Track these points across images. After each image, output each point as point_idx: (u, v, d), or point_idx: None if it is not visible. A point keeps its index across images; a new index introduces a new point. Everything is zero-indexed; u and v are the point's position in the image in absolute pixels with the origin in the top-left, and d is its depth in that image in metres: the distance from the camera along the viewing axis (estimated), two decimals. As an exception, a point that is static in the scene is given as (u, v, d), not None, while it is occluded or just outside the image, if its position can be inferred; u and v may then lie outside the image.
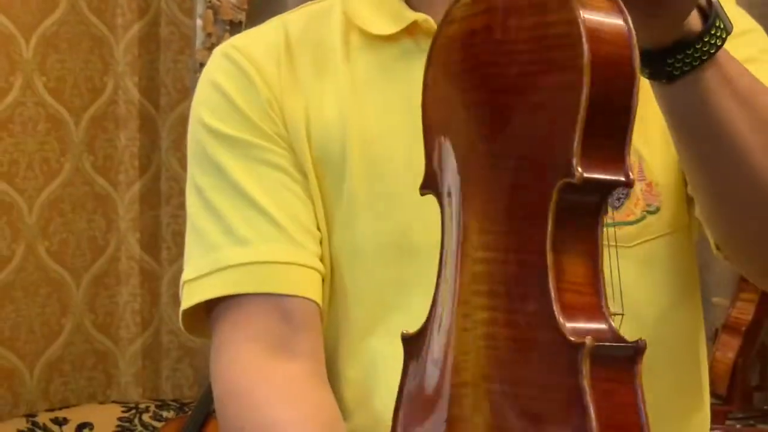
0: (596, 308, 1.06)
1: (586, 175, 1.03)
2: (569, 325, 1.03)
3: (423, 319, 1.20)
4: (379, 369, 1.46)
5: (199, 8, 3.77)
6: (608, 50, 1.05)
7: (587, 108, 1.03)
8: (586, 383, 1.01)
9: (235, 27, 3.71)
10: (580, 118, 1.03)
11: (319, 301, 1.47)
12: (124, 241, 4.05)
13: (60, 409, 3.72)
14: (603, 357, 1.03)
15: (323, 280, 1.48)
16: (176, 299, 4.13)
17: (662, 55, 1.23)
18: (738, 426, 3.05)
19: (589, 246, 1.07)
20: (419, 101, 1.28)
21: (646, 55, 1.21)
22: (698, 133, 1.28)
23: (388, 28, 1.49)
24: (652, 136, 1.45)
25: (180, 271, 1.53)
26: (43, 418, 3.62)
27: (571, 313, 1.04)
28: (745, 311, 3.12)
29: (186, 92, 3.99)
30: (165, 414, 3.69)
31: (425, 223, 1.37)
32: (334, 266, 1.49)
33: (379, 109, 1.48)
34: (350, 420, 1.47)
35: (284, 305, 1.45)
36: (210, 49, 3.73)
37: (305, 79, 1.51)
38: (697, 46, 1.22)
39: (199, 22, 3.79)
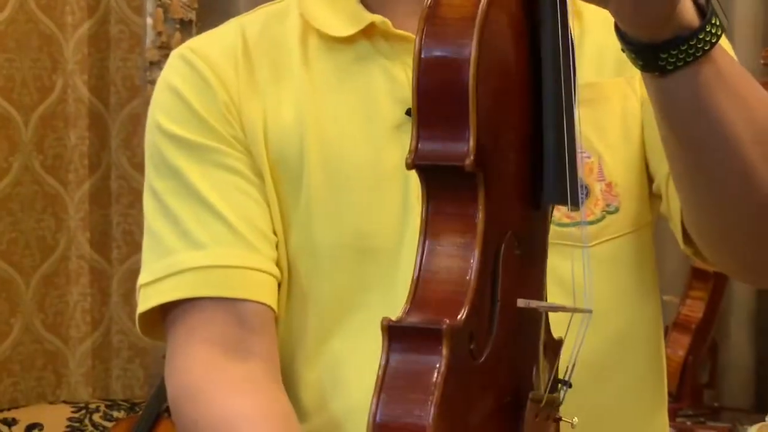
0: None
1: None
2: None
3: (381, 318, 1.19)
4: (339, 370, 1.46)
5: (149, 6, 3.80)
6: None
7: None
8: None
9: (185, 26, 3.75)
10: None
11: (274, 305, 1.46)
12: (74, 241, 4.04)
13: (9, 409, 3.72)
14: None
15: (279, 284, 1.47)
16: (126, 299, 4.15)
17: (656, 49, 1.22)
18: (688, 423, 3.08)
19: None
20: (376, 104, 1.39)
21: (640, 48, 1.22)
22: (689, 125, 1.27)
23: (345, 30, 1.48)
24: (610, 137, 1.46)
25: (130, 270, 1.54)
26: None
27: None
28: (695, 309, 3.15)
29: (136, 90, 3.99)
30: (115, 414, 3.70)
31: (382, 224, 1.42)
32: (292, 269, 1.48)
33: (336, 112, 1.47)
34: (307, 422, 1.47)
35: (239, 309, 1.44)
36: (160, 47, 3.75)
37: (263, 82, 1.50)
38: (692, 42, 1.21)
39: (149, 20, 3.81)
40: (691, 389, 3.06)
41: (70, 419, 3.66)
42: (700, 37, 1.21)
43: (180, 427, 1.46)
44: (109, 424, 3.65)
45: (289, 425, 1.41)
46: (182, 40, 3.68)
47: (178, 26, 3.75)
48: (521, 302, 1.13)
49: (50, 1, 3.93)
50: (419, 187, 1.25)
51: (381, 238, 1.43)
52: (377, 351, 1.16)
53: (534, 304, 1.14)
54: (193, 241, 1.46)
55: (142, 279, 1.49)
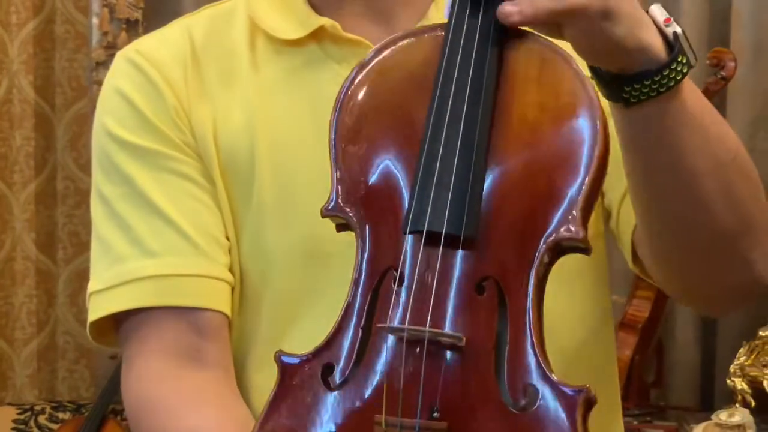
0: None
1: None
2: None
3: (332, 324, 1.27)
4: None
5: (95, 6, 3.80)
6: None
7: None
8: None
9: (131, 25, 3.76)
10: None
11: (228, 312, 1.46)
12: (19, 241, 4.01)
13: (-47, 411, 3.68)
14: None
15: (233, 289, 1.47)
16: (73, 299, 4.11)
17: (621, 81, 1.22)
18: (635, 422, 3.12)
19: None
20: (326, 108, 1.31)
21: (606, 78, 1.23)
22: (651, 155, 1.27)
23: (294, 33, 1.47)
24: None
25: (77, 271, 1.52)
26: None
27: None
28: (641, 308, 3.19)
29: (82, 91, 3.97)
30: (61, 416, 3.71)
31: (333, 230, 1.38)
32: (244, 273, 1.47)
33: (286, 116, 1.46)
34: None
35: (193, 318, 1.44)
36: (106, 47, 3.76)
37: (212, 86, 1.48)
38: (656, 78, 1.21)
39: (95, 20, 3.80)
40: (638, 388, 3.10)
41: (15, 421, 3.65)
42: (665, 73, 1.21)
43: None
44: (54, 426, 3.65)
45: None
46: (129, 40, 3.69)
47: (124, 26, 3.75)
48: (380, 326, 1.16)
49: (-6, 1, 3.93)
50: None
51: (331, 242, 1.40)
52: None
53: (388, 328, 1.16)
54: (145, 249, 1.44)
55: (92, 286, 1.47)
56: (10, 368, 4.00)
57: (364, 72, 1.25)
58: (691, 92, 1.27)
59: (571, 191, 1.14)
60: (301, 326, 1.45)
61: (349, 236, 1.36)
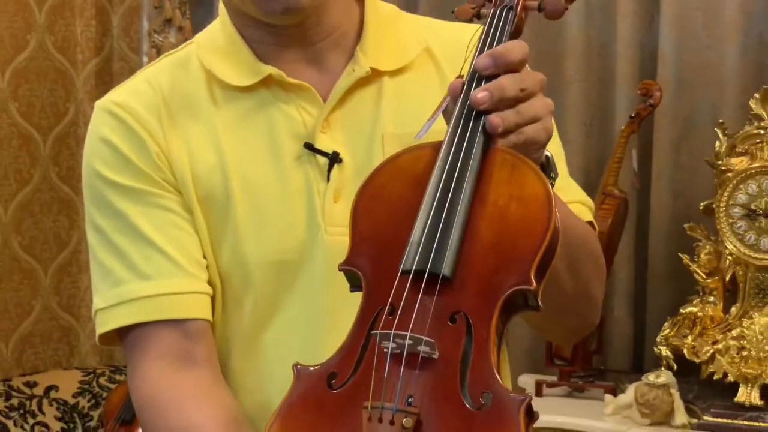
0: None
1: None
2: None
3: (303, 319, 1.37)
4: (266, 362, 1.44)
5: (145, 47, 3.77)
6: None
7: None
8: None
9: None
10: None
11: (210, 318, 1.44)
12: (84, 237, 3.98)
13: (31, 374, 3.68)
14: None
15: (213, 296, 1.45)
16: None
17: None
18: (580, 382, 3.06)
19: None
20: (278, 141, 1.40)
21: None
22: None
23: (245, 81, 1.44)
24: None
25: None
26: (17, 382, 3.58)
27: None
28: None
29: None
30: (117, 377, 3.67)
31: (296, 240, 1.41)
32: (225, 281, 1.45)
33: (249, 151, 1.43)
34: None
35: (184, 327, 1.42)
36: None
37: (183, 129, 1.44)
38: None
39: (144, 58, 3.78)
40: (582, 355, 3.01)
41: (81, 382, 3.63)
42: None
43: None
44: (112, 386, 3.62)
45: (239, 429, 1.39)
46: None
47: None
48: (373, 332, 1.18)
49: (64, 42, 3.90)
50: (322, 208, 1.41)
51: (295, 252, 1.41)
52: (297, 344, 1.33)
53: (378, 334, 1.18)
54: (140, 274, 1.42)
55: (96, 304, 1.46)
56: (76, 339, 3.99)
57: (378, 172, 1.27)
58: (557, 205, 1.29)
59: (528, 255, 1.17)
60: (278, 320, 1.43)
61: (308, 246, 1.40)
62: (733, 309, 2.85)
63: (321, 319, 1.41)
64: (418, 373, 1.16)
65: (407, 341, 1.15)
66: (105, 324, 1.45)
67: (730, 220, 2.78)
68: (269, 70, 1.43)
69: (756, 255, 2.79)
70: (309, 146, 1.41)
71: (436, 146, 1.25)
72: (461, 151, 1.22)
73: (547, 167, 1.30)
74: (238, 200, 1.42)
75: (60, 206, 3.95)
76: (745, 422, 2.74)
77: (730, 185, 2.79)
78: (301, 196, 1.42)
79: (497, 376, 1.15)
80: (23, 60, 3.80)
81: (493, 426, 1.13)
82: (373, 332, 1.18)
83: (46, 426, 3.54)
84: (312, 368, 1.21)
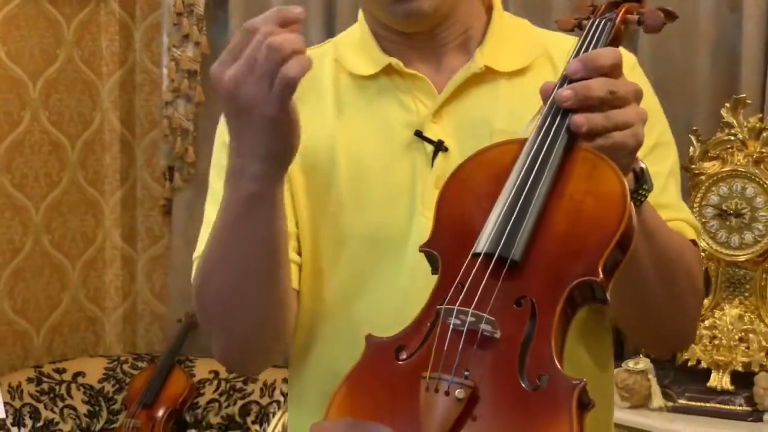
0: None
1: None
2: None
3: (391, 296, 1.32)
4: (356, 331, 1.32)
5: (165, 60, 3.75)
6: None
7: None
8: None
9: (191, 75, 3.71)
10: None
11: (296, 286, 1.41)
12: (108, 235, 4.01)
13: (60, 361, 3.69)
14: None
15: (302, 267, 1.42)
16: (148, 278, 4.11)
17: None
18: None
19: None
20: (391, 127, 1.38)
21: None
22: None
23: (369, 70, 1.43)
24: None
25: (150, 257, 1.47)
26: (47, 369, 3.60)
27: None
28: None
29: (155, 124, 3.95)
30: (140, 364, 3.68)
31: (396, 219, 1.38)
32: (320, 249, 1.41)
33: (361, 132, 1.40)
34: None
35: None
36: (173, 91, 3.73)
37: (305, 110, 1.35)
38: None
39: (164, 71, 3.76)
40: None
41: (106, 368, 3.64)
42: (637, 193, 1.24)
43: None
44: (135, 372, 3.62)
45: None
46: (190, 87, 3.69)
47: (186, 75, 3.71)
48: (438, 306, 1.15)
49: (90, 56, 3.91)
50: (423, 192, 1.38)
51: (392, 229, 1.38)
52: (383, 320, 1.22)
53: (444, 310, 1.14)
54: None
55: (196, 251, 1.42)
56: (101, 329, 4.01)
57: (466, 162, 1.24)
58: (651, 211, 1.27)
59: (598, 248, 1.12)
60: (368, 295, 1.39)
61: (406, 226, 1.37)
62: (706, 301, 2.85)
63: (408, 299, 1.30)
64: (478, 350, 1.11)
65: (469, 318, 1.11)
66: (193, 274, 1.41)
67: (703, 220, 2.78)
68: (390, 60, 1.42)
69: (727, 251, 2.78)
70: (418, 134, 1.38)
71: (523, 142, 1.21)
72: (543, 147, 1.18)
73: (641, 178, 1.24)
74: (343, 174, 1.39)
75: (86, 207, 3.95)
76: (717, 405, 2.74)
77: (703, 187, 2.79)
78: (406, 179, 1.39)
79: (556, 362, 1.09)
80: (53, 72, 3.81)
81: (547, 406, 1.07)
82: (438, 307, 1.14)
83: (74, 409, 3.54)
84: (383, 339, 1.18)
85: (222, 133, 1.43)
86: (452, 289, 1.15)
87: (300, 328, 1.44)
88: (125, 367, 3.66)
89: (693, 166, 2.84)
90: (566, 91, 1.17)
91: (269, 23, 1.15)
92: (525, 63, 1.43)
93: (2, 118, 3.67)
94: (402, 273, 1.37)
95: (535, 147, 1.18)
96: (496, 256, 1.14)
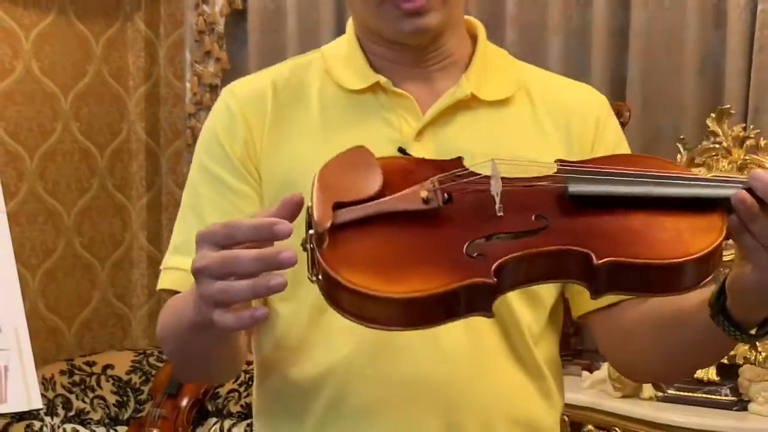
0: None
1: None
2: None
3: None
4: (333, 333, 1.31)
5: (188, 75, 3.75)
6: None
7: None
8: None
9: (213, 88, 3.70)
10: None
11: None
12: (135, 237, 4.02)
13: (90, 355, 3.68)
14: None
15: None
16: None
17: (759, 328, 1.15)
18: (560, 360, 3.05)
19: None
20: (375, 143, 1.21)
21: (743, 327, 1.15)
22: (697, 342, 1.24)
23: (356, 84, 1.38)
24: None
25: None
26: (78, 362, 3.58)
27: None
28: None
29: (178, 134, 3.95)
30: (165, 357, 3.66)
31: None
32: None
33: (347, 146, 1.26)
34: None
35: None
36: (195, 104, 3.73)
37: (286, 118, 1.37)
38: None
39: (187, 84, 3.76)
40: (562, 337, 3.04)
41: (133, 361, 3.61)
42: None
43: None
44: (160, 365, 3.61)
45: None
46: (211, 100, 3.68)
47: (208, 89, 3.71)
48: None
49: (118, 71, 3.92)
50: None
51: None
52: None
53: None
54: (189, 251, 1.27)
55: (164, 261, 1.40)
56: (129, 325, 4.00)
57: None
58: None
59: (630, 255, 1.05)
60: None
61: None
62: None
63: None
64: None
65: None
66: (161, 281, 1.39)
67: (690, 222, 2.78)
68: (378, 78, 1.37)
69: (712, 252, 2.79)
70: (401, 150, 1.30)
71: (419, 161, 1.20)
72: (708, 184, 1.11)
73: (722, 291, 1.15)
74: None
75: (115, 211, 3.95)
76: (703, 395, 2.73)
77: (690, 192, 2.80)
78: None
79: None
80: (83, 86, 3.81)
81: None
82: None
83: (104, 399, 3.54)
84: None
85: (209, 128, 1.40)
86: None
87: (268, 342, 1.38)
88: (151, 360, 3.65)
89: (680, 173, 2.84)
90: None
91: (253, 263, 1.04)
92: (507, 94, 1.39)
93: (36, 129, 3.68)
94: None
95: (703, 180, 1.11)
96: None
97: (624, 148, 1.42)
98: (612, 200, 1.08)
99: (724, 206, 1.07)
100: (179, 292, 1.32)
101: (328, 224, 1.04)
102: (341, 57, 1.41)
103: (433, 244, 1.05)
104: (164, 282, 1.39)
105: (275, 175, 1.34)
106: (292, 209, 1.06)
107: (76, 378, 3.52)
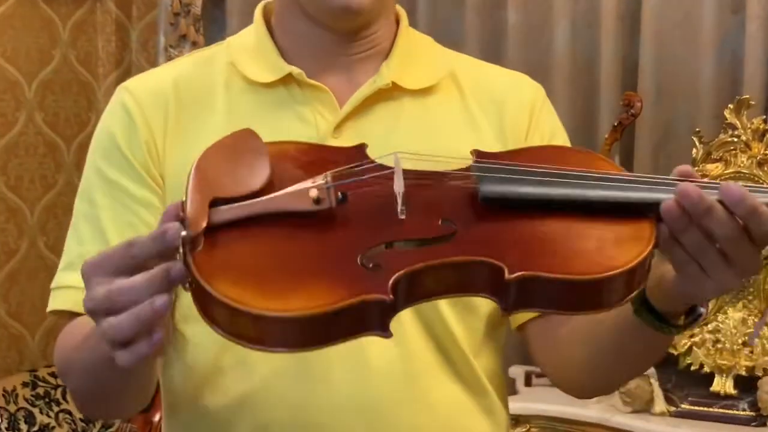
0: None
1: None
2: None
3: None
4: (189, 352, 1.31)
5: (162, 61, 3.76)
6: None
7: None
8: None
9: None
10: None
11: None
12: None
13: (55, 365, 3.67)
14: None
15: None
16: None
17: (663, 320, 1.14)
18: None
19: None
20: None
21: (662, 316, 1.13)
22: (630, 348, 1.23)
23: (267, 77, 1.34)
24: None
25: None
26: (42, 373, 3.60)
27: None
28: None
29: None
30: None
31: None
32: None
33: None
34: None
35: None
36: None
37: (190, 118, 1.33)
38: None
39: None
40: None
41: None
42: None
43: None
44: None
45: None
46: None
47: None
48: None
49: (86, 56, 3.91)
50: None
51: None
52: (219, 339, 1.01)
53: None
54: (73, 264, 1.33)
55: (55, 280, 1.37)
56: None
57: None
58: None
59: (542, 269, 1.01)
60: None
61: None
62: (710, 304, 2.84)
63: None
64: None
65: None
66: (52, 301, 1.36)
67: (706, 222, 2.77)
68: (290, 68, 1.34)
69: (730, 254, 2.78)
70: None
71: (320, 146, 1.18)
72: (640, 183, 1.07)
73: (693, 317, 1.14)
74: None
75: (83, 209, 3.94)
76: (720, 410, 2.75)
77: (706, 189, 2.79)
78: None
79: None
80: (48, 73, 3.80)
81: None
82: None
83: (70, 413, 3.54)
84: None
85: (104, 129, 1.36)
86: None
87: (178, 370, 1.34)
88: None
89: (696, 168, 2.83)
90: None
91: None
92: (431, 82, 1.37)
93: (-3, 120, 3.68)
94: None
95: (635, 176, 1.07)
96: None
97: (560, 140, 1.40)
98: (529, 203, 1.03)
99: (654, 212, 1.02)
100: (76, 314, 1.28)
101: (204, 224, 0.96)
102: (249, 47, 1.37)
103: (323, 252, 0.98)
104: (56, 302, 1.34)
105: (179, 181, 1.19)
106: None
107: (40, 390, 3.51)
